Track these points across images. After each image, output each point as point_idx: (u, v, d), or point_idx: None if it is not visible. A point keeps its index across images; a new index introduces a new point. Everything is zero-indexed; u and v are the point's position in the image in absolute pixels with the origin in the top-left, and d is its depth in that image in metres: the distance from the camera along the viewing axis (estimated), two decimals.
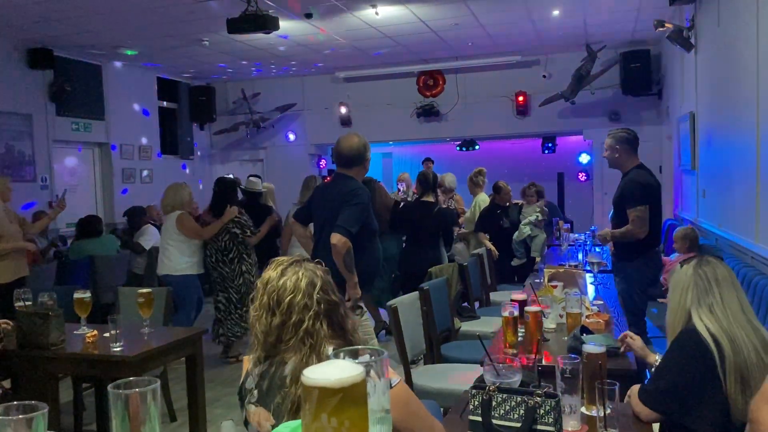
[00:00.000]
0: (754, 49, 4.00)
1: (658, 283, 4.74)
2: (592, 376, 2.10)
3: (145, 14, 6.89)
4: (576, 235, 7.59)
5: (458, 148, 11.79)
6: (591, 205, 10.87)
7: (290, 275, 1.79)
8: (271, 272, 1.81)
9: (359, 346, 0.97)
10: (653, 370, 2.23)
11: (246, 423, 1.82)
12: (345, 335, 1.81)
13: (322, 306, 1.76)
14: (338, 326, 1.80)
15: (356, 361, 0.90)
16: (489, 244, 6.58)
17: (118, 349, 3.28)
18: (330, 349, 1.72)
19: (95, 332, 3.55)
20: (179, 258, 5.59)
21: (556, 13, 7.54)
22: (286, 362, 1.73)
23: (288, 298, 1.75)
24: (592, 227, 8.04)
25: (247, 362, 1.88)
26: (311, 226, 4.07)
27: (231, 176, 6.78)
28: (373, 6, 6.90)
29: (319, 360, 1.69)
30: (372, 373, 0.90)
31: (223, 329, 5.77)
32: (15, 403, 0.93)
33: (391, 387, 1.60)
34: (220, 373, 5.52)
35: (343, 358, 0.93)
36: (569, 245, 6.68)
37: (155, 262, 7.21)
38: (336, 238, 3.47)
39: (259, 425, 1.75)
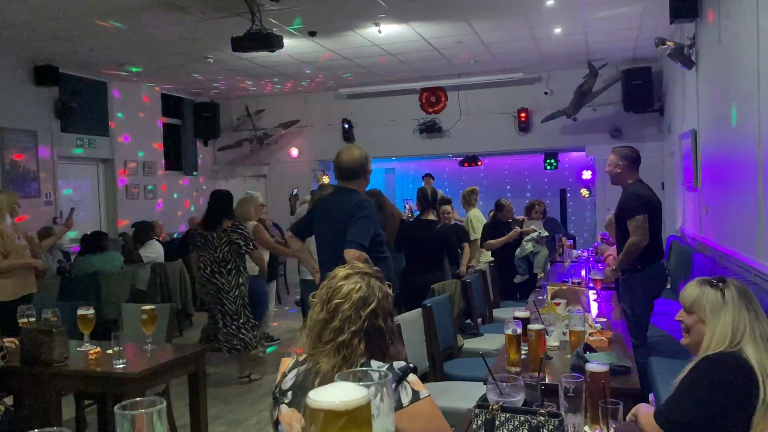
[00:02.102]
0: (755, 66, 4.03)
1: (660, 295, 4.73)
2: (595, 395, 2.10)
3: (150, 32, 6.96)
4: (578, 251, 7.60)
5: (461, 163, 11.83)
6: (594, 221, 10.89)
7: (351, 282, 1.82)
8: (340, 271, 1.87)
9: (365, 368, 0.97)
10: (674, 391, 2.10)
11: (276, 424, 1.83)
12: (384, 360, 1.79)
13: (365, 325, 1.76)
14: (378, 350, 1.79)
15: (361, 383, 0.90)
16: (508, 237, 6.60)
17: (121, 366, 3.28)
18: (366, 360, 1.75)
19: (98, 349, 3.55)
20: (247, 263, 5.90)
21: (557, 31, 7.60)
22: (320, 367, 1.74)
23: (337, 301, 1.79)
24: (595, 243, 8.05)
25: (285, 364, 1.89)
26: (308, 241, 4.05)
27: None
28: (376, 24, 6.96)
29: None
30: (377, 395, 0.91)
31: (222, 342, 5.60)
32: (37, 431, 0.92)
33: (419, 399, 1.66)
34: (222, 390, 5.51)
35: (350, 379, 0.93)
36: (572, 261, 6.69)
37: (158, 277, 7.25)
38: (350, 254, 3.44)
39: (290, 426, 1.76)
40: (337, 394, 0.83)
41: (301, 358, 1.83)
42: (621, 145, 4.73)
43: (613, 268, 4.51)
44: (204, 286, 5.65)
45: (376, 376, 0.96)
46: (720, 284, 2.12)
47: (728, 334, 2.03)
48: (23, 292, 4.98)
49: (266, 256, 6.36)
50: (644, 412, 2.16)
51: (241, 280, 5.58)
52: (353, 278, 1.83)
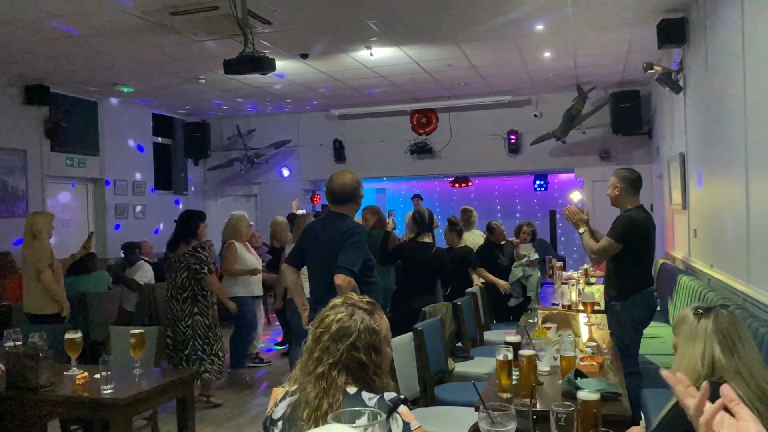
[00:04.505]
0: (741, 92, 4.08)
1: (650, 322, 4.74)
2: (586, 423, 2.10)
3: (142, 53, 6.98)
4: (569, 272, 7.61)
5: (452, 184, 11.87)
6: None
7: (334, 312, 1.81)
8: (336, 299, 1.86)
9: (358, 408, 0.97)
10: (659, 423, 2.11)
11: None
12: (372, 391, 1.77)
13: (343, 357, 1.75)
14: (364, 384, 1.77)
15: (354, 425, 0.90)
16: (495, 280, 6.54)
17: (109, 391, 3.24)
18: (357, 391, 1.74)
19: (86, 374, 3.51)
20: (230, 281, 6.00)
21: (547, 54, 7.68)
22: (307, 397, 1.74)
23: (320, 330, 1.79)
24: (585, 265, 8.08)
25: (277, 393, 1.88)
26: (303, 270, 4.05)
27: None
28: (368, 48, 7.02)
29: (330, 407, 1.69)
30: None
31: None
32: None
33: (410, 431, 1.66)
34: (210, 413, 5.44)
35: (342, 420, 0.93)
36: (562, 283, 6.69)
37: (147, 299, 7.19)
38: (340, 279, 3.46)
39: None
40: None
41: (292, 389, 1.82)
42: (624, 167, 4.64)
43: (579, 217, 4.48)
44: (166, 308, 5.51)
45: (368, 415, 0.95)
46: (700, 313, 2.07)
47: (694, 367, 1.98)
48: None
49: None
50: None
51: (195, 310, 5.33)
52: (338, 309, 1.82)
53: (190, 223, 5.54)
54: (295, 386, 1.81)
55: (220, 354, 5.49)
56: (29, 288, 5.48)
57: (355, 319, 1.79)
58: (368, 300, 1.89)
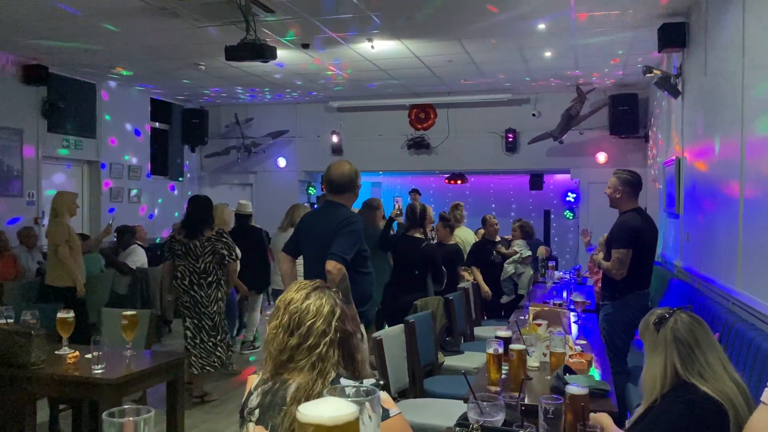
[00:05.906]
0: (739, 99, 4.11)
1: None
2: (574, 417, 2.12)
3: (143, 37, 6.95)
4: (561, 272, 7.65)
5: (447, 180, 11.90)
6: (576, 243, 10.98)
7: (314, 299, 1.84)
8: (293, 294, 1.87)
9: (355, 383, 0.99)
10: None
11: None
12: (354, 365, 1.85)
13: (338, 334, 1.81)
14: (349, 356, 1.85)
15: (350, 399, 0.92)
16: (482, 283, 6.59)
17: (99, 371, 3.25)
18: (336, 377, 1.78)
19: (77, 353, 3.52)
20: None
21: (547, 54, 7.70)
22: (290, 382, 1.76)
23: (309, 321, 1.81)
24: (577, 265, 8.12)
25: (252, 381, 1.90)
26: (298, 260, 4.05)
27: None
28: (369, 40, 7.02)
29: (324, 386, 1.73)
30: (364, 410, 0.92)
31: (197, 358, 5.20)
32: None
33: (389, 417, 1.69)
34: None
35: (339, 395, 0.95)
36: (554, 283, 6.74)
37: (139, 283, 7.19)
38: (331, 265, 3.45)
39: None
40: (326, 409, 0.84)
41: (265, 377, 1.84)
42: (624, 169, 4.65)
43: (596, 261, 4.62)
44: (179, 297, 5.29)
45: (363, 392, 0.97)
46: (660, 324, 2.13)
47: (657, 377, 2.08)
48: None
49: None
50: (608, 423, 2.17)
51: (220, 295, 5.30)
52: (314, 295, 1.85)
53: (205, 209, 5.37)
54: (268, 374, 1.82)
55: (230, 343, 5.62)
56: (49, 262, 5.80)
57: (331, 295, 1.87)
58: (320, 280, 1.97)
